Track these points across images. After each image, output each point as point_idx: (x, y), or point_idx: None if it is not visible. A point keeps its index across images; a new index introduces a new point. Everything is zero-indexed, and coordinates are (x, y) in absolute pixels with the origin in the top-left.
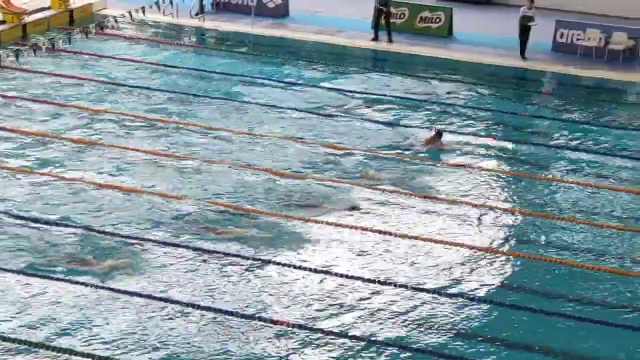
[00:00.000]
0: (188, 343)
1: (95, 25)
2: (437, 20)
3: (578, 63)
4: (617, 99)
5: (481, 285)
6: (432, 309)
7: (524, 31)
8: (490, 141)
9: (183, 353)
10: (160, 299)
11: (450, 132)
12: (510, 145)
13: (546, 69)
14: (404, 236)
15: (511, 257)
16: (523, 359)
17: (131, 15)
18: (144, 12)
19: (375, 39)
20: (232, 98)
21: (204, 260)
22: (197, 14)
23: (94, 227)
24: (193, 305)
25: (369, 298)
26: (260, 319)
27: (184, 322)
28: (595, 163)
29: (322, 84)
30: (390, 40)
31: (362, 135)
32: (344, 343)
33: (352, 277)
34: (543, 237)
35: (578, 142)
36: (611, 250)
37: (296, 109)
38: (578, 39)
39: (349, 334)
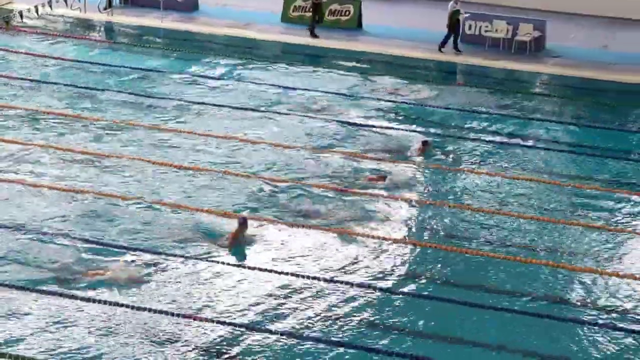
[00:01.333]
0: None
1: (1, 20)
2: (347, 13)
3: (486, 54)
4: (524, 89)
5: (396, 277)
6: (345, 301)
7: (456, 25)
8: (403, 132)
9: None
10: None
11: (366, 125)
12: (423, 137)
13: (455, 61)
14: (314, 227)
15: (425, 248)
16: (438, 349)
17: (37, 10)
18: (50, 6)
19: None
20: (141, 93)
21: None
22: (105, 8)
23: None
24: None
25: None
26: (203, 319)
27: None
28: (502, 153)
29: (233, 78)
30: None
31: (274, 128)
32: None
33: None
34: (453, 228)
35: (489, 132)
36: (520, 240)
37: (207, 104)
38: (486, 31)
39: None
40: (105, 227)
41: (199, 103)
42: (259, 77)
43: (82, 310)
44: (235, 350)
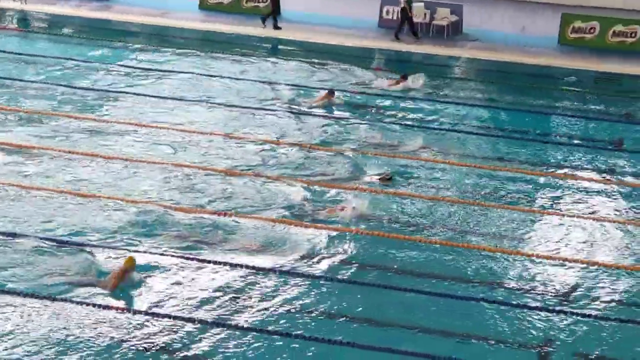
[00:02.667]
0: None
1: None
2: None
3: (405, 39)
4: (442, 73)
5: (326, 263)
6: (266, 287)
7: (407, 16)
8: (317, 118)
9: None
10: None
11: (274, 109)
12: (339, 122)
13: (373, 46)
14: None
15: (353, 234)
16: (368, 333)
17: None
18: None
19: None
20: (57, 82)
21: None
22: None
23: None
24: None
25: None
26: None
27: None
28: (420, 136)
29: (148, 66)
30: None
31: (190, 116)
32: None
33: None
34: (380, 213)
35: (408, 117)
36: (446, 224)
37: (126, 92)
38: None
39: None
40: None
41: (116, 92)
42: (177, 65)
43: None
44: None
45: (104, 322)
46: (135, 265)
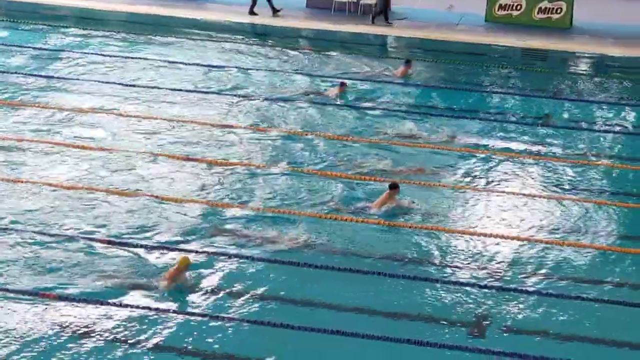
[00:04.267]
0: None
1: None
2: None
3: (333, 19)
4: (371, 52)
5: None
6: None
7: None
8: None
9: None
10: None
11: (203, 90)
12: (255, 102)
13: (300, 26)
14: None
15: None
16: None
17: None
18: None
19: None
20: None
21: None
22: None
23: None
24: None
25: None
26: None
27: None
28: (349, 117)
29: (77, 49)
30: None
31: (122, 100)
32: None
33: None
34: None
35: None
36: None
37: (56, 77)
38: None
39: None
40: None
41: (49, 77)
42: (106, 48)
43: None
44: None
45: (158, 324)
46: (189, 265)
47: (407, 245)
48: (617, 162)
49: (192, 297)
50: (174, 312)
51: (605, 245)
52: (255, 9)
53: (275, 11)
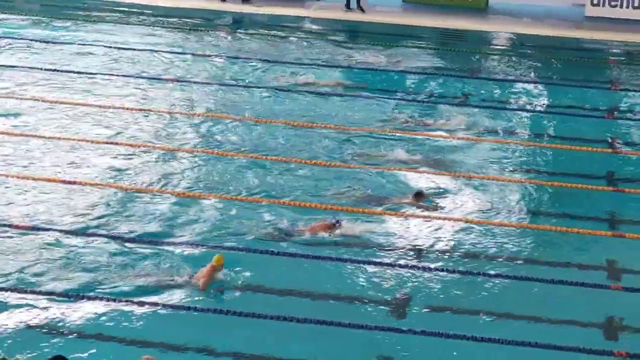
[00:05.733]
0: None
1: None
2: None
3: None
4: (288, 34)
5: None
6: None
7: None
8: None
9: None
10: None
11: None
12: (155, 84)
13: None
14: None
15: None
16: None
17: None
18: None
19: None
20: None
21: None
22: None
23: None
24: None
25: None
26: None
27: None
28: (243, 97)
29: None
30: None
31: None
32: None
33: None
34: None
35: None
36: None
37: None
38: None
39: None
40: None
41: None
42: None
43: None
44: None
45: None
46: (223, 263)
47: None
48: (531, 141)
49: (227, 295)
50: (210, 311)
51: (517, 222)
52: None
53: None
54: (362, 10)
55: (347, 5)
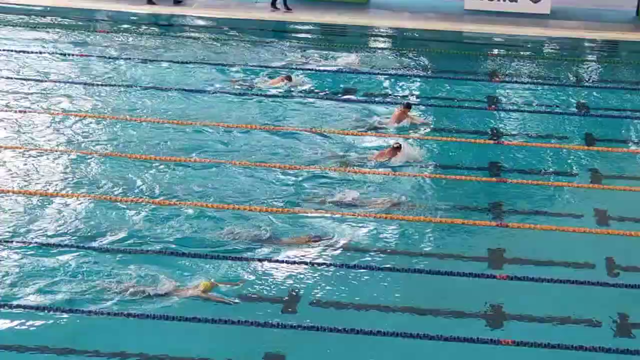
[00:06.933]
0: None
1: None
2: None
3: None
4: (167, 33)
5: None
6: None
7: None
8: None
9: None
10: None
11: None
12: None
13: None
14: None
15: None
16: None
17: None
18: None
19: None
20: None
21: None
22: None
23: None
24: None
25: None
26: None
27: None
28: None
29: None
30: None
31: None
32: None
33: None
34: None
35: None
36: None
37: None
38: None
39: None
40: None
41: None
42: None
43: None
44: None
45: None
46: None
47: (210, 223)
48: (418, 134)
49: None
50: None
51: (403, 215)
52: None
53: None
54: (289, 9)
55: (273, 4)
